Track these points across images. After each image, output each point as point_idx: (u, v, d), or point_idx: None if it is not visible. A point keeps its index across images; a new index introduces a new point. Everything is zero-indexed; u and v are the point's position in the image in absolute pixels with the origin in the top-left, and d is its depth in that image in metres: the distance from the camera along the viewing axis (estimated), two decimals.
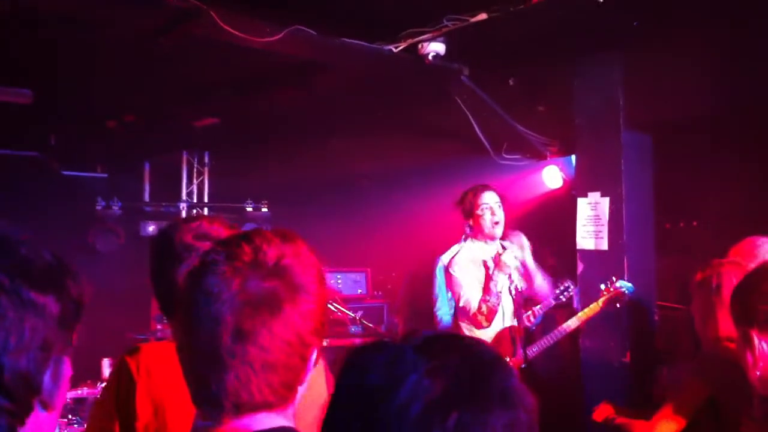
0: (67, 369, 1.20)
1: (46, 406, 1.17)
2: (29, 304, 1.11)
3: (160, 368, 2.10)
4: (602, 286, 4.84)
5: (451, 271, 5.01)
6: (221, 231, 2.19)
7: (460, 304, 4.93)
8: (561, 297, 5.02)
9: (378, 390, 0.96)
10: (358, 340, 6.46)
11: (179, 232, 2.16)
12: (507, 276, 4.82)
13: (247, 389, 1.26)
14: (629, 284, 4.87)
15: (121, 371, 2.11)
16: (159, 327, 6.50)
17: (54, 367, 1.16)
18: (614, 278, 4.87)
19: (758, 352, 1.72)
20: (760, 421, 1.90)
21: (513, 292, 4.87)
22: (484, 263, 4.83)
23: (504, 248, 4.93)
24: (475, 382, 0.96)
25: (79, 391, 5.41)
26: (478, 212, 4.98)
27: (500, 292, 4.81)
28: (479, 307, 4.78)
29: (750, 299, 1.76)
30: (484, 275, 4.84)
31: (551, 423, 5.60)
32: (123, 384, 2.08)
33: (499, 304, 4.81)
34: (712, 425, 3.15)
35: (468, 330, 4.92)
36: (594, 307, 4.80)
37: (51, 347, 1.15)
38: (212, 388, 1.27)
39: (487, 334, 4.83)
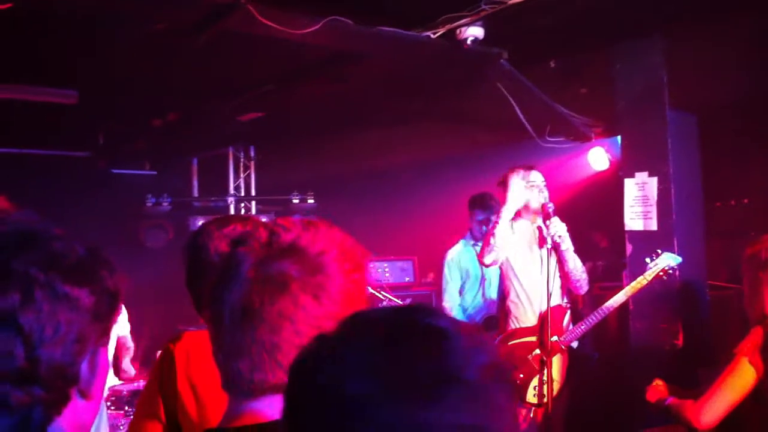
0: (104, 359, 1.22)
1: (84, 395, 1.19)
2: (63, 298, 1.13)
3: (200, 353, 2.14)
4: (648, 260, 4.71)
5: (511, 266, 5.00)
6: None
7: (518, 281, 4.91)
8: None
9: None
10: None
11: (213, 240, 2.16)
12: (555, 237, 4.73)
13: (261, 371, 1.27)
14: (676, 256, 4.70)
15: (164, 357, 2.19)
16: None
17: (91, 357, 1.19)
18: (659, 251, 4.74)
19: None
20: None
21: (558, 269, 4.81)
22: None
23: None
24: (413, 378, 0.87)
25: (136, 384, 5.51)
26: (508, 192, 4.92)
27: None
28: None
29: None
30: (529, 243, 4.90)
31: (601, 405, 5.57)
32: (166, 368, 2.16)
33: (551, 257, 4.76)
34: (761, 408, 3.10)
35: (515, 305, 4.94)
36: (641, 281, 4.63)
37: (86, 339, 1.17)
38: (232, 371, 1.30)
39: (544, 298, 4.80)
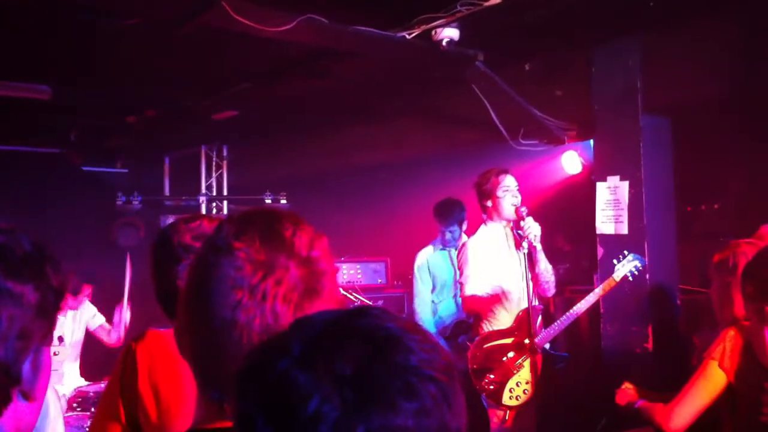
0: (47, 358, 1.19)
1: (26, 397, 1.16)
2: (6, 293, 1.10)
3: (163, 354, 2.11)
4: (615, 261, 4.79)
5: (470, 253, 5.00)
6: None
7: (489, 292, 4.92)
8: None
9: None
10: None
11: (178, 233, 2.18)
12: (529, 241, 4.78)
13: None
14: (641, 257, 4.81)
15: (126, 356, 2.13)
16: None
17: (34, 356, 1.15)
18: (626, 252, 4.82)
19: None
20: None
21: (530, 274, 4.84)
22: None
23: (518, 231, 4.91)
24: (373, 387, 0.84)
25: (102, 385, 5.45)
26: (499, 194, 4.95)
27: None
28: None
29: (763, 275, 1.73)
30: (501, 246, 4.94)
31: (572, 406, 5.59)
32: (128, 368, 2.11)
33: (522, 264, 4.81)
34: (731, 412, 3.12)
35: (495, 310, 4.94)
36: (610, 282, 4.74)
37: (30, 336, 1.13)
38: (210, 371, 1.26)
39: (517, 300, 4.86)
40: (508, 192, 4.95)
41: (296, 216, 1.34)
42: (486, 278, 4.93)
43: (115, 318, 6.21)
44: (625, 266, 4.76)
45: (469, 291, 4.96)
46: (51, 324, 1.19)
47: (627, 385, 3.82)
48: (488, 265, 4.95)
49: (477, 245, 5.03)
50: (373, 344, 0.88)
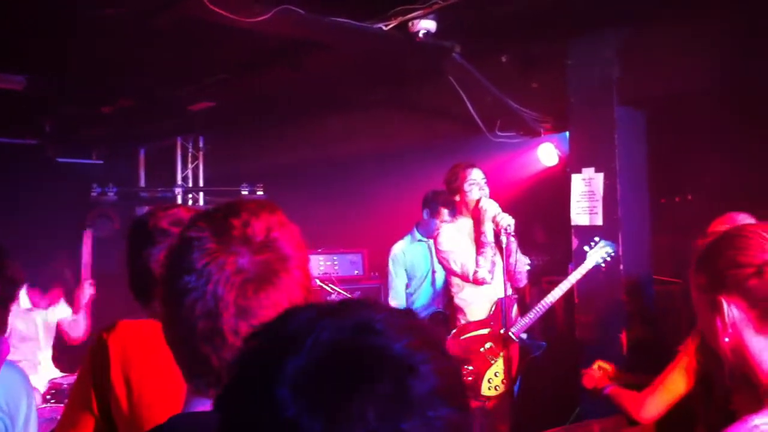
0: (5, 348, 1.19)
1: None
2: None
3: (136, 345, 2.11)
4: (586, 248, 4.85)
5: (438, 247, 5.04)
6: None
7: (458, 272, 4.93)
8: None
9: None
10: None
11: (154, 217, 2.22)
12: (491, 224, 4.82)
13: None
14: (611, 243, 4.89)
15: (97, 347, 2.12)
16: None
17: None
18: (597, 239, 4.89)
19: (728, 319, 1.70)
20: (739, 392, 1.89)
21: (503, 261, 4.87)
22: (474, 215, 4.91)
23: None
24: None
25: (75, 376, 5.42)
26: (466, 187, 4.99)
27: (493, 243, 4.85)
28: (477, 262, 4.85)
29: (717, 265, 1.74)
30: (474, 237, 4.94)
31: (547, 397, 5.63)
32: (99, 359, 2.09)
33: (495, 254, 4.87)
34: (705, 402, 3.15)
35: (462, 290, 4.95)
36: (581, 270, 4.82)
37: None
38: (214, 365, 1.26)
39: (488, 290, 4.89)
40: (474, 185, 5.00)
41: (262, 204, 1.37)
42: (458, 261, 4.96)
43: (77, 301, 6.15)
44: (597, 252, 4.83)
45: (459, 268, 4.96)
46: (6, 315, 1.19)
47: (600, 364, 3.81)
48: (459, 250, 4.99)
49: (446, 239, 5.07)
50: (390, 375, 0.81)
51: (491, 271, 4.87)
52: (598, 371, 3.77)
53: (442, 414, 0.82)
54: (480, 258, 4.84)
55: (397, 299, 6.29)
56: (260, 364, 0.85)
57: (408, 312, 0.93)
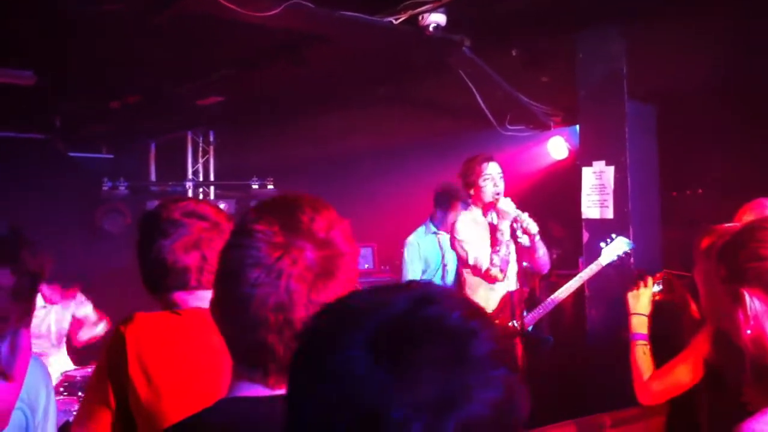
0: (25, 340, 1.20)
1: (5, 376, 1.17)
2: None
3: (153, 337, 2.11)
4: (602, 244, 4.83)
5: (456, 235, 5.04)
6: (208, 209, 2.25)
7: (470, 262, 4.96)
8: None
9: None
10: None
11: (167, 209, 2.22)
12: (509, 224, 4.84)
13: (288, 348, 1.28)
14: (629, 241, 4.86)
15: (115, 340, 2.11)
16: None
17: (12, 338, 1.16)
18: (614, 235, 4.87)
19: (750, 311, 1.70)
20: (754, 384, 1.89)
21: (516, 255, 4.88)
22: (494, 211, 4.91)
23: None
24: (459, 387, 0.85)
25: (89, 370, 5.43)
26: (481, 182, 4.99)
27: (509, 241, 4.85)
28: (491, 260, 4.85)
29: (739, 257, 1.75)
30: (489, 231, 4.94)
31: (556, 390, 5.63)
32: (116, 353, 2.09)
33: (509, 254, 4.86)
34: (714, 394, 3.15)
35: (476, 291, 4.95)
36: (594, 267, 4.82)
37: (6, 319, 1.15)
38: (279, 353, 1.29)
39: (501, 289, 4.90)
40: (489, 180, 4.99)
41: (318, 201, 1.42)
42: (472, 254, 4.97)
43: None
44: (613, 249, 4.80)
45: (472, 259, 4.96)
46: (29, 306, 1.21)
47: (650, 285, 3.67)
48: (474, 241, 5.00)
49: (464, 227, 5.06)
50: (451, 339, 0.88)
51: (504, 270, 4.88)
52: (646, 291, 3.63)
53: (501, 373, 0.88)
54: (494, 256, 4.84)
55: None
56: (333, 332, 0.91)
57: (456, 289, 0.98)
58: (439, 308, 0.90)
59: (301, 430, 0.90)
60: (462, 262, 5.10)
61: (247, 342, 1.33)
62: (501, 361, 0.89)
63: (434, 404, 0.83)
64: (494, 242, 4.89)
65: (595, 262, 4.82)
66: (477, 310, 0.94)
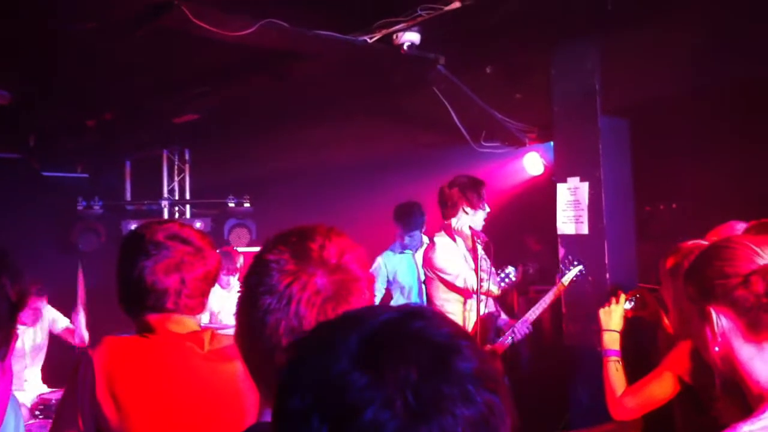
0: (7, 365, 1.19)
1: None
2: None
3: (122, 361, 2.10)
4: (566, 270, 4.95)
5: (437, 263, 5.04)
6: (192, 234, 2.26)
7: (460, 285, 4.97)
8: (502, 283, 5.02)
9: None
10: None
11: (150, 231, 2.23)
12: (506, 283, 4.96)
13: None
14: (581, 264, 4.95)
15: (83, 364, 2.10)
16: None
17: None
18: (575, 262, 4.97)
19: (718, 328, 1.72)
20: (724, 399, 1.91)
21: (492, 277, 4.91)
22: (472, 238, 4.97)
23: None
24: (435, 395, 0.85)
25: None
26: (482, 206, 5.07)
27: (484, 256, 4.92)
28: (480, 278, 4.85)
29: (705, 276, 1.77)
30: (468, 251, 5.03)
31: (535, 406, 5.64)
32: (86, 377, 2.08)
33: (490, 267, 4.94)
34: (688, 409, 3.16)
35: (453, 313, 4.97)
36: (560, 287, 4.89)
37: None
38: None
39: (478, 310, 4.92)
40: (466, 217, 5.06)
41: (331, 229, 1.48)
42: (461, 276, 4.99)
43: (74, 323, 6.14)
44: (572, 271, 4.90)
45: (461, 283, 4.98)
46: (8, 333, 1.20)
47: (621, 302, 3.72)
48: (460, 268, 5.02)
49: (445, 254, 5.07)
50: (434, 350, 0.89)
51: (497, 283, 4.93)
52: (617, 308, 3.67)
53: (481, 392, 0.88)
54: (482, 273, 4.86)
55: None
56: (322, 337, 0.95)
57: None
58: (428, 323, 0.93)
59: (284, 424, 0.90)
60: (446, 288, 5.08)
61: (266, 367, 1.37)
62: (483, 381, 0.89)
63: (409, 409, 0.83)
64: (475, 260, 4.90)
65: (558, 284, 4.90)
66: (465, 331, 0.97)
